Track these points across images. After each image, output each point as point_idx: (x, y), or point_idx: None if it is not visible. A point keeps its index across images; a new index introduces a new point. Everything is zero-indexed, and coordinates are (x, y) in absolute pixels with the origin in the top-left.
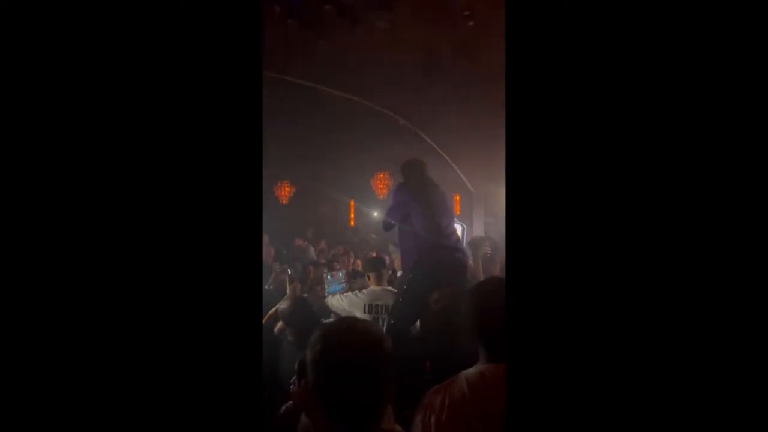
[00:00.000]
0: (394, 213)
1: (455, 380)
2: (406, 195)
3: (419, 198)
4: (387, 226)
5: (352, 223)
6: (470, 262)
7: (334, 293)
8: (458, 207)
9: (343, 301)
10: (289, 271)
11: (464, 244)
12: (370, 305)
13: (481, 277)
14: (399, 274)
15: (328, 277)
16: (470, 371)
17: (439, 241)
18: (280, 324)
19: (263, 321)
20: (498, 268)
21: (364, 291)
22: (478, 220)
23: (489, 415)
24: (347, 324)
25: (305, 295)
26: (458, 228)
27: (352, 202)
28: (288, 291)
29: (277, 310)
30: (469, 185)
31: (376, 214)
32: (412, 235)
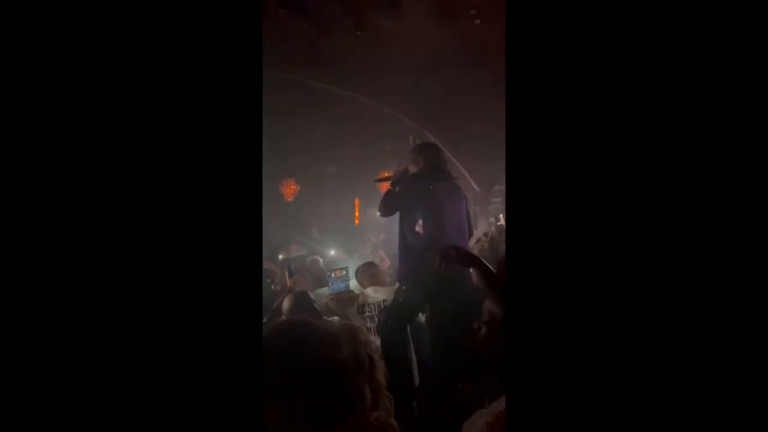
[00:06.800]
0: (388, 204)
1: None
2: (410, 186)
3: (423, 192)
4: (384, 212)
5: (357, 221)
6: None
7: (337, 291)
8: None
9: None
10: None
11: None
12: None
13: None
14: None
15: (332, 275)
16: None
17: (438, 247)
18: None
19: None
20: (500, 254)
21: (369, 289)
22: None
23: None
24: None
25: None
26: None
27: (357, 201)
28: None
29: (280, 305)
30: (474, 185)
31: (379, 213)
32: (408, 234)
